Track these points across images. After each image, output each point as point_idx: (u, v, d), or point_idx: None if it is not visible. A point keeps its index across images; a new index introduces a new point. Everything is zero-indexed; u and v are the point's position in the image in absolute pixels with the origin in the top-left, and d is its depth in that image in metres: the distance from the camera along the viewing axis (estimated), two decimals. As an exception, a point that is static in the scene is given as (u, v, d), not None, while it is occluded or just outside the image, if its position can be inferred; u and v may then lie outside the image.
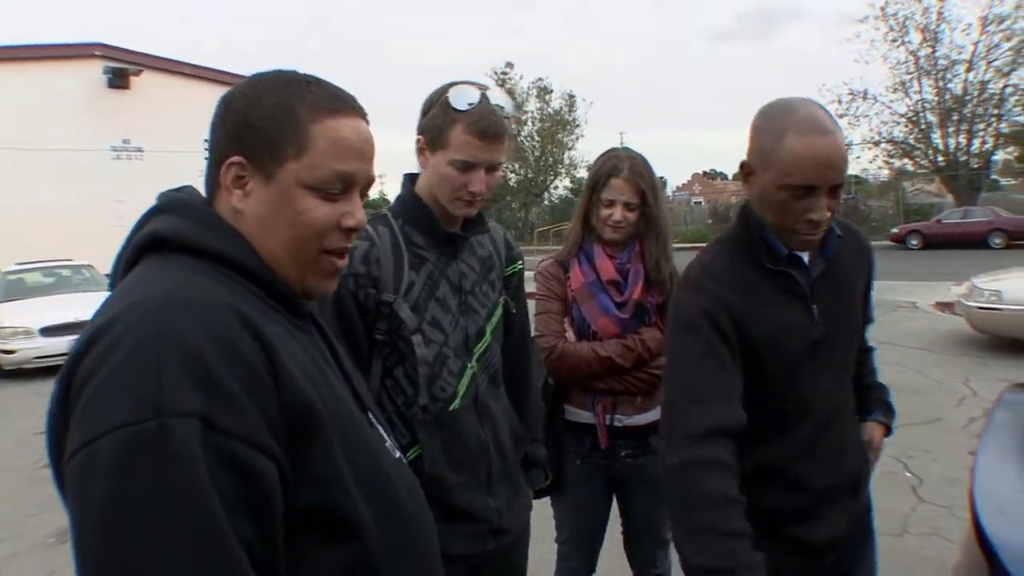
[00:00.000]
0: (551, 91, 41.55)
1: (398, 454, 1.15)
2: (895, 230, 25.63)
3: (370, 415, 1.13)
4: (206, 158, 1.04)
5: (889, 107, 30.74)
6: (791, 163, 1.47)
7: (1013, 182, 38.60)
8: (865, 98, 30.42)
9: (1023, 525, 1.63)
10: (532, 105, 40.98)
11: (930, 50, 29.60)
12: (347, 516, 0.96)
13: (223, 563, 0.80)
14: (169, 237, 0.97)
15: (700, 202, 55.39)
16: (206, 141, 1.06)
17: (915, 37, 29.67)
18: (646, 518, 2.52)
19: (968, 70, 29.21)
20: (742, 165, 1.61)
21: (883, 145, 31.35)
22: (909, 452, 5.03)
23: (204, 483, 0.79)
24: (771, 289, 1.58)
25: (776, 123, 1.51)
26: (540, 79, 41.63)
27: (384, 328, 1.73)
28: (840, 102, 30.19)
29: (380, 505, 1.00)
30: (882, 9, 29.35)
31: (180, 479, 0.78)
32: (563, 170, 43.12)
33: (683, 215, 38.40)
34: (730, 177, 69.71)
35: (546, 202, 44.33)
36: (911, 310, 11.05)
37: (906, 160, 32.46)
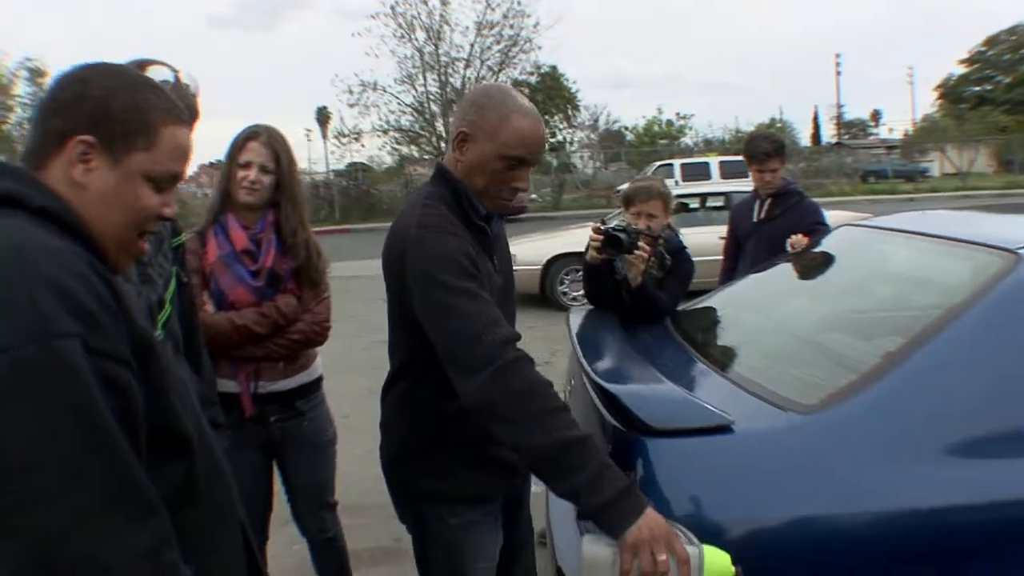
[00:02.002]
0: (46, 73, 35.33)
1: None
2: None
3: None
4: (34, 128, 1.13)
5: (397, 97, 33.36)
6: (515, 139, 1.74)
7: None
8: (375, 89, 32.56)
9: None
10: (22, 89, 34.42)
11: (434, 48, 32.91)
12: (181, 435, 1.11)
13: (126, 470, 0.95)
14: (7, 194, 1.03)
15: (208, 192, 54.04)
16: (35, 113, 1.15)
17: (421, 35, 32.65)
18: (309, 479, 2.58)
19: (467, 67, 33.26)
20: (460, 133, 1.80)
21: (392, 133, 33.91)
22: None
23: (96, 396, 0.93)
24: (474, 242, 1.85)
25: (502, 103, 1.76)
26: (29, 59, 35.34)
27: None
28: (351, 92, 31.96)
29: (197, 431, 1.16)
30: (392, 7, 31.67)
31: (74, 395, 0.91)
32: None
33: (195, 208, 36.60)
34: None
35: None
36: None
37: (412, 147, 35.65)
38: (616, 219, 3.09)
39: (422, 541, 1.95)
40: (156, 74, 1.72)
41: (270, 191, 2.40)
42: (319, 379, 2.59)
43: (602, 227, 2.63)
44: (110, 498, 0.94)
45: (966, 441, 1.70)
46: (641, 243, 2.59)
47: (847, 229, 3.00)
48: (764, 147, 3.73)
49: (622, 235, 2.58)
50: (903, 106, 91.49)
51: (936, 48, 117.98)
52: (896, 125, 62.80)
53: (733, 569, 1.46)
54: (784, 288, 2.94)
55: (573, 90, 38.99)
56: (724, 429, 1.71)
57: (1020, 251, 1.91)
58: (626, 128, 47.05)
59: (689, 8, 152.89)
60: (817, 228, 3.47)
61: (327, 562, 2.66)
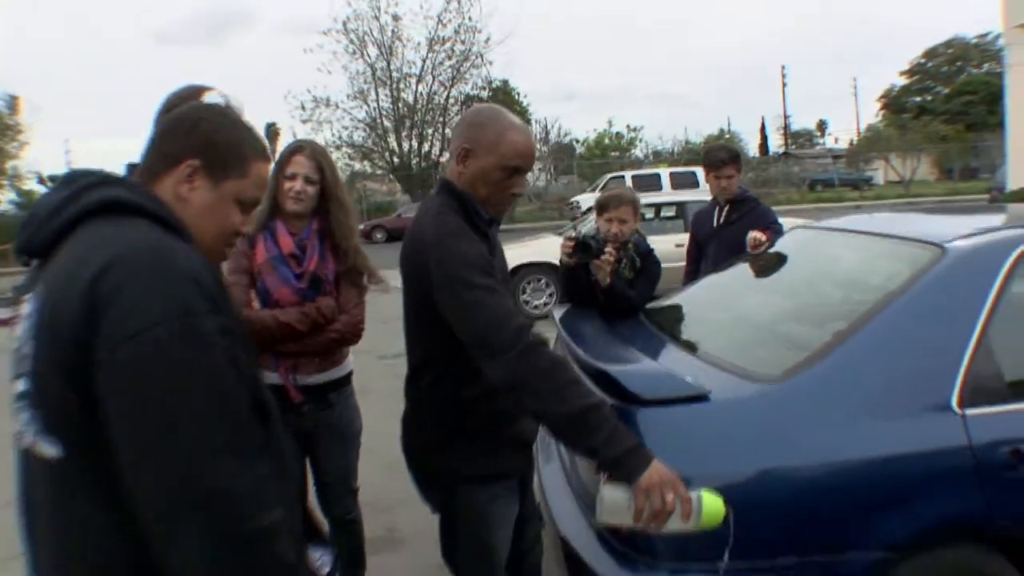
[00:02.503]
0: None
1: None
2: (361, 227, 28.01)
3: None
4: (151, 150, 1.38)
5: (349, 113, 33.41)
6: (512, 152, 2.02)
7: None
8: (328, 105, 32.69)
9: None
10: None
11: (386, 63, 33.15)
12: (263, 402, 1.30)
13: (244, 421, 1.19)
14: (131, 202, 1.26)
15: None
16: (153, 136, 1.40)
17: (373, 51, 32.88)
18: (339, 467, 2.82)
19: (419, 83, 33.55)
20: (463, 150, 2.07)
21: (344, 149, 33.91)
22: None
23: (222, 361, 1.16)
24: (486, 240, 2.11)
25: (498, 121, 2.05)
26: None
27: None
28: (304, 108, 32.15)
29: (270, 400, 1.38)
30: (344, 23, 31.84)
31: (208, 359, 1.14)
32: (5, 181, 36.11)
33: None
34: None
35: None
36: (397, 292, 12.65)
37: (365, 162, 35.72)
38: (586, 226, 3.38)
39: (451, 517, 2.19)
40: (209, 99, 1.92)
41: (315, 200, 2.66)
42: (350, 374, 2.82)
43: (574, 235, 2.95)
44: (233, 443, 1.15)
45: (899, 404, 2.04)
46: (608, 248, 2.91)
47: (799, 231, 3.35)
48: (721, 156, 4.10)
49: (592, 242, 2.90)
50: (848, 116, 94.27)
51: (879, 60, 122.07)
52: (841, 135, 64.93)
53: (725, 510, 1.75)
54: (744, 284, 3.27)
55: (524, 104, 39.59)
56: (703, 398, 2.02)
57: (946, 245, 2.26)
58: (577, 141, 47.69)
59: (637, 23, 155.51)
60: (773, 228, 3.81)
61: (348, 541, 2.89)
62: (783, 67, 73.25)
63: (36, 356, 1.16)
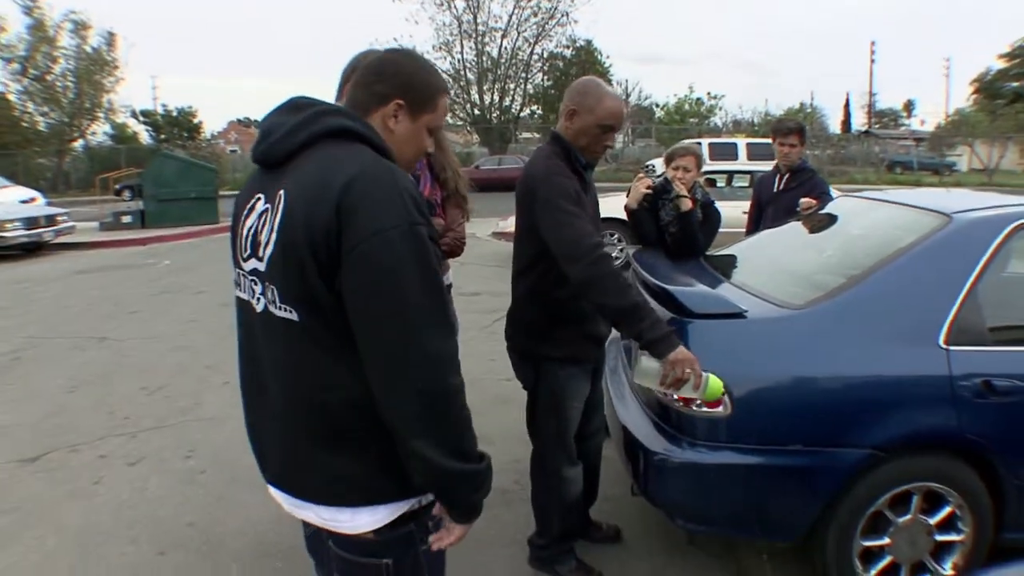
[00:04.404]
0: (89, 26, 35.23)
1: None
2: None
3: None
4: (360, 88, 1.61)
5: (434, 64, 33.94)
6: (608, 114, 2.65)
7: (535, 135, 45.43)
8: (413, 55, 33.17)
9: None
10: (67, 41, 34.85)
11: (472, 16, 33.55)
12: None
13: (446, 306, 1.45)
14: (357, 131, 1.49)
15: (236, 150, 50.61)
16: (361, 77, 1.62)
17: (460, 3, 33.30)
18: None
19: (503, 37, 33.93)
20: (570, 110, 2.69)
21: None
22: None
23: (434, 261, 1.41)
24: (581, 181, 2.75)
25: (596, 89, 2.67)
26: (73, 11, 35.41)
27: None
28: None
29: None
30: (433, -24, 32.23)
31: (427, 258, 1.39)
32: (102, 114, 37.44)
33: (230, 164, 35.16)
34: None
35: (81, 150, 37.92)
36: (473, 239, 13.35)
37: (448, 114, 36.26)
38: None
39: (536, 389, 2.86)
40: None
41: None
42: (450, 285, 3.37)
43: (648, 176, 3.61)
44: (442, 319, 1.39)
45: (895, 335, 2.61)
46: (679, 186, 3.59)
47: (844, 199, 3.91)
48: (788, 125, 4.82)
49: (665, 183, 3.58)
50: (938, 99, 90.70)
51: (977, 40, 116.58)
52: (929, 117, 62.64)
53: (723, 390, 2.43)
54: (790, 239, 3.83)
55: (606, 65, 39.58)
56: (741, 315, 2.64)
57: (953, 215, 2.80)
58: (657, 105, 47.42)
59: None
60: (823, 196, 4.36)
61: None
62: (872, 43, 70.94)
63: (282, 242, 1.39)
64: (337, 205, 1.34)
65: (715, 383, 2.38)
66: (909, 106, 65.55)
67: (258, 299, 1.48)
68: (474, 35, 33.95)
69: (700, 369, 2.35)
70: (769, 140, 5.05)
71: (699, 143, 26.51)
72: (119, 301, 9.01)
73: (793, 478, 2.59)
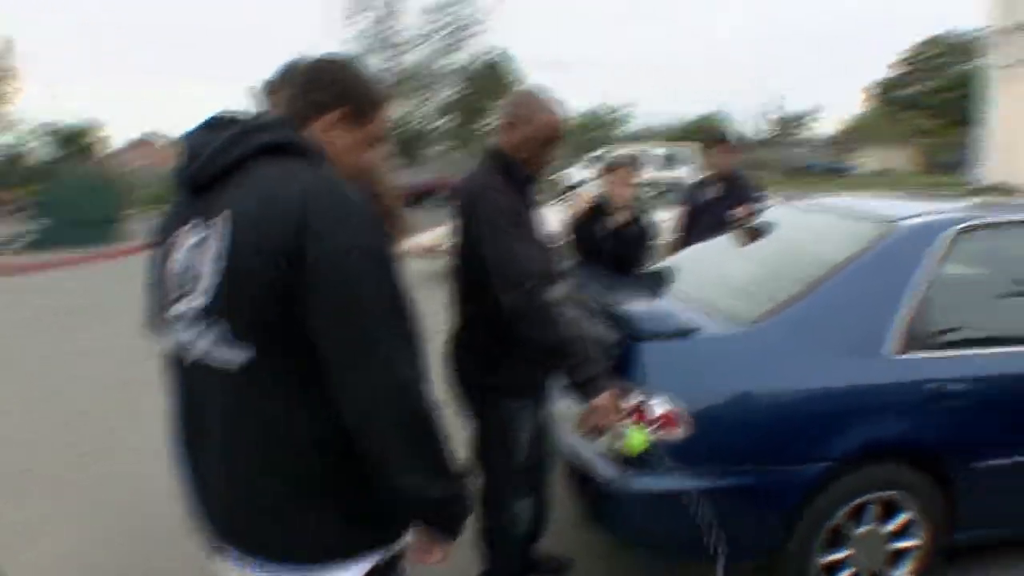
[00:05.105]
0: None
1: None
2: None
3: None
4: (295, 98, 1.50)
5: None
6: (548, 126, 2.52)
7: (451, 145, 45.01)
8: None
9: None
10: None
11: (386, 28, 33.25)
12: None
13: (411, 326, 1.37)
14: (293, 145, 1.40)
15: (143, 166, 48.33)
16: (296, 86, 1.52)
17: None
18: None
19: (415, 49, 33.73)
20: (507, 121, 2.55)
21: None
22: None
23: (396, 276, 1.33)
24: (519, 199, 2.61)
25: (535, 101, 2.54)
26: None
27: None
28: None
29: None
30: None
31: (391, 274, 1.32)
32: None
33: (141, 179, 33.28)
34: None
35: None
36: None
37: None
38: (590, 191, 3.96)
39: (485, 422, 2.68)
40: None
41: None
42: None
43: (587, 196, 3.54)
44: (408, 344, 1.33)
45: (844, 347, 2.58)
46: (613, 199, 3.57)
47: (781, 207, 3.89)
48: (717, 134, 4.85)
49: (604, 200, 3.47)
50: (840, 105, 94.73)
51: (871, 51, 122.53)
52: (829, 124, 64.97)
53: (646, 446, 2.36)
54: (735, 251, 3.78)
55: (516, 76, 39.75)
56: (691, 333, 2.55)
57: (897, 222, 2.78)
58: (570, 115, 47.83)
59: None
60: (757, 203, 4.35)
61: None
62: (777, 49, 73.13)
63: (228, 270, 1.28)
64: (297, 226, 1.25)
65: (636, 439, 2.32)
66: (811, 113, 67.77)
67: (196, 343, 1.34)
68: (388, 47, 33.60)
69: (620, 422, 2.29)
70: (684, 146, 5.07)
71: (634, 154, 26.97)
72: None
73: (752, 498, 2.53)
